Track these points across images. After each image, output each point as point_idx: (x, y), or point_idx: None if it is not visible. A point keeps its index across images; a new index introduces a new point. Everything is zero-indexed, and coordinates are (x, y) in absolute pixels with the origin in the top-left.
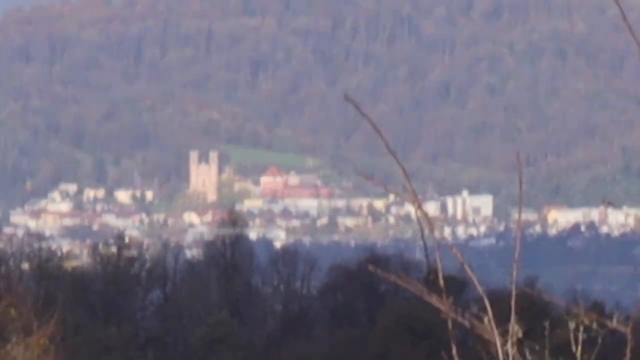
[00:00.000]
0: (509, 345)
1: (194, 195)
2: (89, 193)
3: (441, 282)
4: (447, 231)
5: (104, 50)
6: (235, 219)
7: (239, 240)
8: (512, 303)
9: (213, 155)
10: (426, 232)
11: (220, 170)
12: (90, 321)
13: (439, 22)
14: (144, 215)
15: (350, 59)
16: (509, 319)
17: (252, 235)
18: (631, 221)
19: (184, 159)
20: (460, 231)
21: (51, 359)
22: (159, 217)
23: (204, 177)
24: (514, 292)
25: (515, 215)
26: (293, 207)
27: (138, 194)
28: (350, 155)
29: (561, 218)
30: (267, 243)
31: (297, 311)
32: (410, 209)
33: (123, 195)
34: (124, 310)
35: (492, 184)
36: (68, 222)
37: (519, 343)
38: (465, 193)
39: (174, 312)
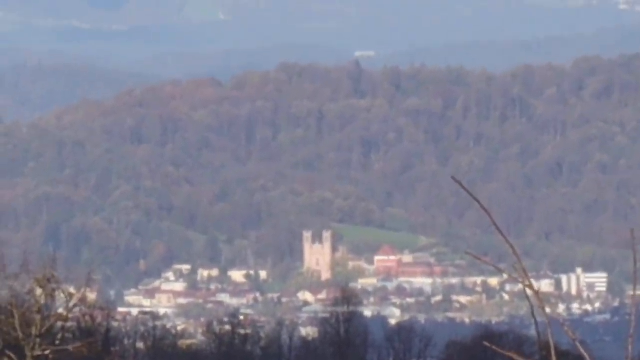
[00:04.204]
0: None
1: (308, 274)
2: (203, 273)
3: (553, 358)
4: (561, 308)
5: (215, 131)
6: (349, 297)
7: (354, 318)
8: None
9: (326, 235)
10: (538, 309)
11: (334, 250)
12: None
13: (550, 102)
14: (258, 294)
15: (461, 139)
16: None
17: (367, 312)
18: None
19: (297, 239)
20: (575, 308)
21: None
22: (273, 296)
23: (317, 256)
24: None
25: (630, 292)
26: (407, 285)
27: (252, 273)
28: (463, 233)
29: None
30: (381, 320)
31: None
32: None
33: (237, 275)
34: None
35: (606, 261)
36: (182, 301)
37: None
38: (579, 270)
39: None
